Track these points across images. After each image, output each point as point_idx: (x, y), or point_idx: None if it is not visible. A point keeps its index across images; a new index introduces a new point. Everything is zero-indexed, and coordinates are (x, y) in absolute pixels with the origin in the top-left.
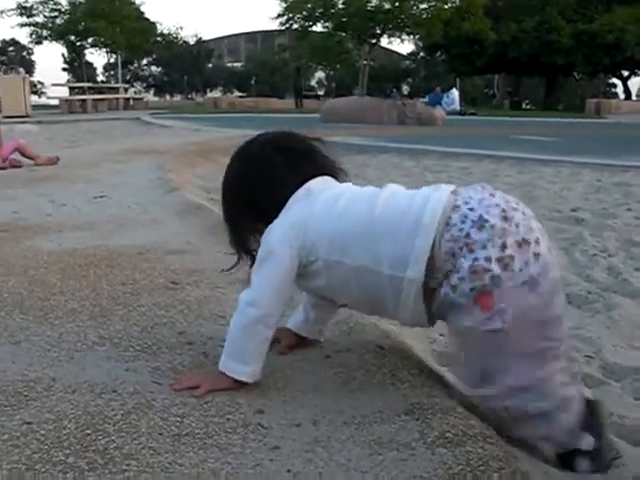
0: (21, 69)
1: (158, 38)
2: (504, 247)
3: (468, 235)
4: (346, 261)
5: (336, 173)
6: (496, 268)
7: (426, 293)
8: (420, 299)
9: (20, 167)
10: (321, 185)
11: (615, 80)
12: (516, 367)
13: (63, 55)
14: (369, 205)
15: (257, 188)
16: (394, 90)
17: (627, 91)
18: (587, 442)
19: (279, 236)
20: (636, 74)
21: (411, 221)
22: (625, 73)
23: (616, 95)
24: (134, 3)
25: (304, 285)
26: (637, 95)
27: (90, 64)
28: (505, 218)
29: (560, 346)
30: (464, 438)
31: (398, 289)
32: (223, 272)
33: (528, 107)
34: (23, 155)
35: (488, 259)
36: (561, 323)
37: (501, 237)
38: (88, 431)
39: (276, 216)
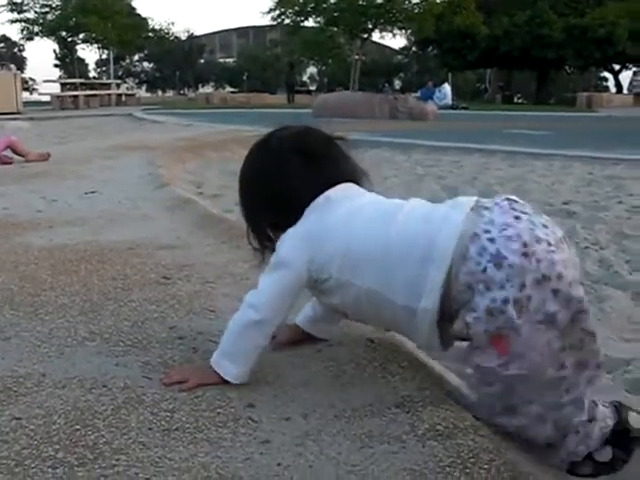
0: (12, 65)
1: (150, 34)
2: (522, 287)
3: (485, 271)
4: (356, 282)
5: (358, 177)
6: (512, 311)
7: (441, 320)
8: (434, 326)
9: (11, 164)
10: (341, 194)
11: (606, 74)
12: (539, 398)
13: (54, 51)
14: (386, 224)
15: (273, 184)
16: (386, 85)
17: (618, 85)
18: (604, 454)
19: (290, 246)
20: (627, 68)
21: (425, 247)
22: (616, 67)
23: (607, 89)
24: None
25: (322, 299)
26: (628, 89)
27: (82, 60)
28: (526, 255)
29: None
30: (455, 431)
31: (411, 316)
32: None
33: (520, 101)
34: (14, 152)
35: (506, 301)
36: (584, 351)
37: (519, 276)
38: (78, 426)
39: (294, 220)
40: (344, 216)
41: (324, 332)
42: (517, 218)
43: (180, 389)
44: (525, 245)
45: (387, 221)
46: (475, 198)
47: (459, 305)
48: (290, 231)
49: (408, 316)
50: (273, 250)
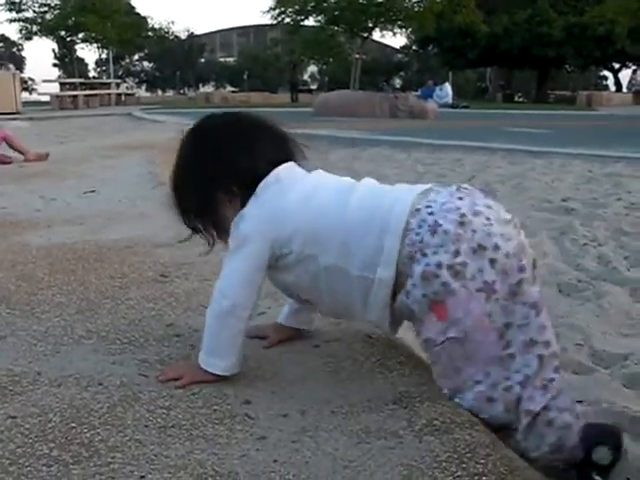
0: (11, 65)
1: (149, 33)
2: (457, 254)
3: (422, 240)
4: (318, 257)
5: (296, 154)
6: (446, 275)
7: (392, 299)
8: (388, 302)
9: (10, 163)
10: (290, 173)
11: (606, 72)
12: (485, 377)
13: (53, 51)
14: (343, 202)
15: (221, 163)
16: (384, 83)
17: (618, 83)
18: (601, 455)
19: (253, 226)
20: (627, 66)
21: (379, 223)
22: (616, 65)
23: (607, 87)
24: None
25: (277, 278)
26: (628, 87)
27: (81, 60)
28: (462, 224)
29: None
30: (452, 426)
31: (367, 290)
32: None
33: (520, 100)
34: (11, 147)
35: (439, 265)
36: (530, 328)
37: (454, 243)
38: (73, 424)
39: (242, 196)
40: (302, 194)
41: (305, 322)
42: (460, 198)
43: (175, 386)
44: (462, 216)
45: (345, 198)
46: (430, 185)
47: (403, 278)
48: (248, 210)
49: (364, 289)
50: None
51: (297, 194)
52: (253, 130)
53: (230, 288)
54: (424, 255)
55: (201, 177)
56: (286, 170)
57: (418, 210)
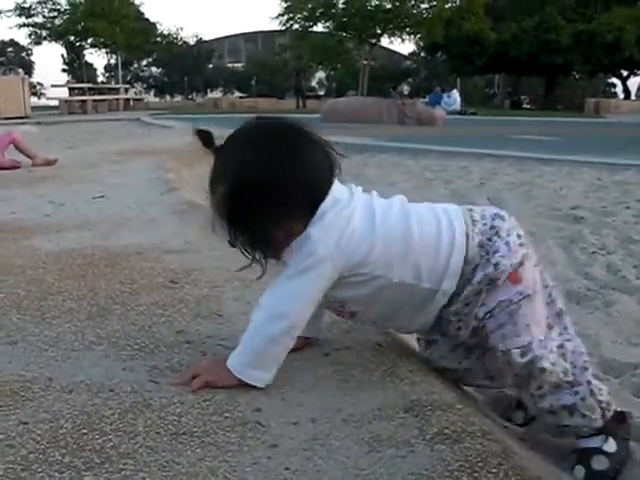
0: (20, 70)
1: (158, 39)
2: (519, 236)
3: (493, 226)
4: (389, 277)
5: (337, 167)
6: (523, 248)
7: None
8: (440, 308)
9: (19, 168)
10: (342, 192)
11: (614, 80)
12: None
13: (62, 56)
14: (405, 225)
15: (290, 174)
16: (392, 90)
17: (626, 91)
18: (609, 444)
19: (324, 249)
20: (635, 74)
21: (447, 240)
22: (624, 73)
23: (615, 95)
24: (133, 3)
25: (330, 294)
26: (636, 95)
27: (90, 65)
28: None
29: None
30: (463, 435)
31: (429, 300)
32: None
33: (528, 107)
34: (18, 149)
35: (514, 241)
36: (556, 303)
37: (515, 228)
38: (85, 430)
39: (302, 216)
40: (364, 218)
41: (316, 331)
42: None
43: (194, 385)
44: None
45: (407, 222)
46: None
47: (474, 264)
48: (314, 232)
49: (427, 299)
50: (270, 257)
51: (360, 218)
52: (308, 144)
53: (294, 310)
54: (499, 236)
55: (263, 193)
56: (338, 189)
57: (472, 210)
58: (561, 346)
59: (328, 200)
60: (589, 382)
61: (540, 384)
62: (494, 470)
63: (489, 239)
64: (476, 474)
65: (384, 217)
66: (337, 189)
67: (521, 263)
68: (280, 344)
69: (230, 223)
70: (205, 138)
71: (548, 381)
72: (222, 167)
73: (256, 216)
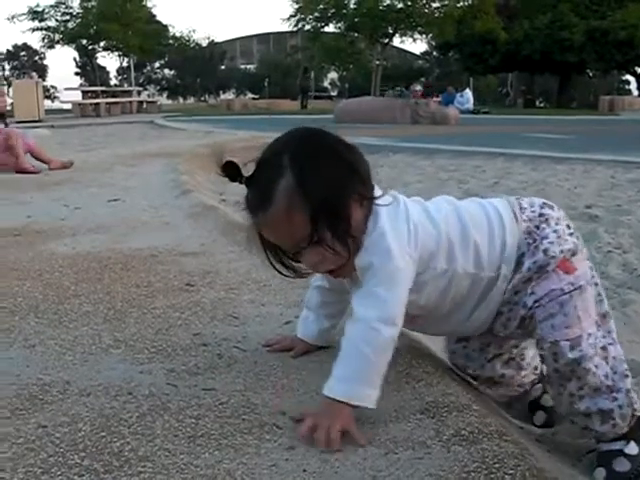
0: (33, 73)
1: (170, 41)
2: (569, 227)
3: (542, 214)
4: (454, 267)
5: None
6: (573, 238)
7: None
8: (502, 296)
9: (38, 173)
10: (387, 196)
11: (628, 77)
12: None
13: (75, 59)
14: (458, 216)
15: (349, 170)
16: (403, 90)
17: None
18: (630, 447)
19: (399, 246)
20: None
21: (498, 225)
22: (638, 70)
23: (629, 92)
24: (146, 6)
25: None
26: None
27: (103, 68)
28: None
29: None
30: (479, 436)
31: (490, 287)
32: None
33: (541, 105)
34: (33, 156)
35: (564, 230)
36: (604, 303)
37: (565, 219)
38: (103, 434)
39: (366, 210)
40: (419, 211)
41: (330, 339)
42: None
43: (332, 445)
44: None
45: (457, 211)
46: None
47: (521, 251)
48: (383, 231)
49: (488, 287)
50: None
51: (416, 214)
52: (349, 145)
53: (397, 315)
54: (548, 224)
55: (335, 190)
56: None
57: (519, 198)
58: (604, 348)
59: (388, 197)
60: (628, 391)
61: (582, 385)
62: (511, 471)
63: (537, 226)
64: (493, 475)
65: (437, 210)
66: (378, 191)
67: (573, 253)
68: (387, 354)
69: (315, 216)
70: (231, 173)
71: (590, 383)
72: (289, 178)
73: (341, 204)
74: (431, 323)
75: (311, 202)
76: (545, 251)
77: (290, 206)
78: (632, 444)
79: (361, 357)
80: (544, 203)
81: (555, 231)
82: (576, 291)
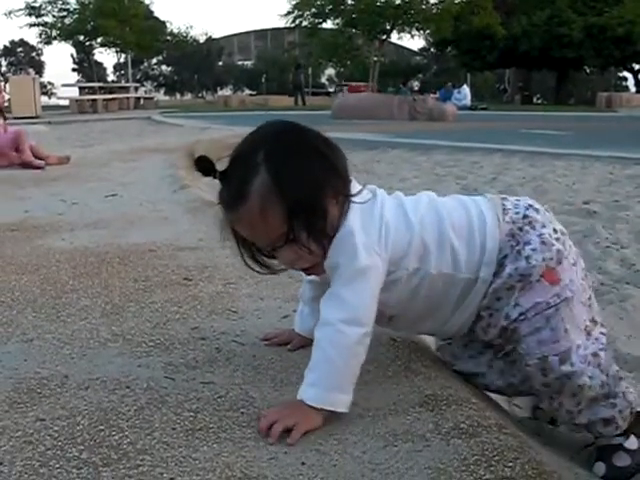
0: (30, 69)
1: (168, 37)
2: (555, 231)
3: (526, 216)
4: (428, 268)
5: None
6: (559, 243)
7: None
8: (481, 300)
9: (42, 168)
10: (365, 192)
11: (626, 73)
12: (582, 336)
13: (72, 55)
14: (437, 215)
15: (327, 165)
16: (401, 86)
17: (638, 84)
18: (630, 442)
19: (366, 245)
20: None
21: (478, 226)
22: (636, 66)
23: (627, 89)
24: (143, 2)
25: None
26: None
27: (100, 64)
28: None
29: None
30: (479, 429)
31: (468, 290)
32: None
33: (539, 101)
34: (35, 155)
35: (550, 235)
36: (593, 307)
37: (551, 222)
38: (101, 427)
39: (341, 207)
40: (396, 209)
41: None
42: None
43: (289, 442)
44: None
45: (436, 210)
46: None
47: (503, 254)
48: (350, 229)
49: (465, 289)
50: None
51: (391, 212)
52: (326, 140)
53: (362, 314)
54: (533, 227)
55: (313, 185)
56: (356, 187)
57: (505, 198)
58: (595, 355)
59: (366, 194)
60: (624, 394)
61: (578, 401)
62: (510, 464)
63: (520, 229)
64: (492, 468)
65: (414, 210)
66: (356, 187)
67: (558, 261)
68: (356, 356)
69: (291, 215)
70: (204, 167)
71: (587, 396)
72: (260, 171)
73: (317, 199)
74: (410, 323)
75: (287, 201)
76: (527, 258)
77: (265, 205)
78: (632, 438)
79: (328, 361)
80: (530, 205)
81: (540, 235)
82: (562, 303)
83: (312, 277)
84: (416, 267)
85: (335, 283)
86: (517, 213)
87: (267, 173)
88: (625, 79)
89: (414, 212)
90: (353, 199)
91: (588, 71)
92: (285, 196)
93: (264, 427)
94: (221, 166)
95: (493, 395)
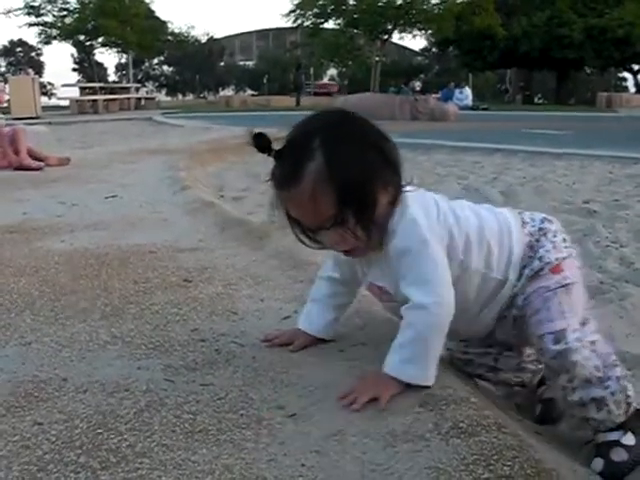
0: (30, 70)
1: (169, 37)
2: (564, 240)
3: (542, 228)
4: (469, 262)
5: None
6: (570, 249)
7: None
8: (504, 301)
9: (40, 169)
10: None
11: (625, 74)
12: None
13: (72, 55)
14: (476, 214)
15: (380, 156)
16: (402, 86)
17: (637, 85)
18: (628, 438)
19: (430, 228)
20: None
21: (507, 232)
22: (635, 67)
23: (626, 89)
24: (144, 2)
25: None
26: None
27: (100, 64)
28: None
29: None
30: (478, 428)
31: (496, 291)
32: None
33: (540, 101)
34: (29, 153)
35: (565, 240)
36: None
37: (562, 232)
38: (100, 430)
39: (393, 198)
40: (446, 204)
41: (334, 333)
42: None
43: (357, 407)
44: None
45: (473, 209)
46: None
47: (523, 264)
48: (412, 214)
49: (495, 290)
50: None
51: (437, 203)
52: (380, 133)
53: (447, 296)
54: (546, 236)
55: (368, 174)
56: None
57: (524, 222)
58: (593, 342)
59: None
60: (618, 378)
61: (571, 377)
62: (509, 463)
63: (537, 240)
64: (492, 467)
65: (460, 209)
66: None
67: (565, 259)
68: (444, 336)
69: (342, 202)
70: (260, 143)
71: (579, 375)
72: (318, 156)
73: (369, 187)
74: None
75: (339, 188)
76: (540, 258)
77: (317, 190)
78: (629, 435)
79: (424, 341)
80: (544, 218)
81: (552, 242)
82: (562, 288)
83: (330, 274)
84: (461, 259)
85: (412, 268)
86: (533, 226)
87: (322, 159)
88: (625, 80)
89: (460, 210)
90: (404, 189)
91: (588, 72)
92: (337, 183)
93: (356, 406)
94: (276, 145)
95: (493, 395)
